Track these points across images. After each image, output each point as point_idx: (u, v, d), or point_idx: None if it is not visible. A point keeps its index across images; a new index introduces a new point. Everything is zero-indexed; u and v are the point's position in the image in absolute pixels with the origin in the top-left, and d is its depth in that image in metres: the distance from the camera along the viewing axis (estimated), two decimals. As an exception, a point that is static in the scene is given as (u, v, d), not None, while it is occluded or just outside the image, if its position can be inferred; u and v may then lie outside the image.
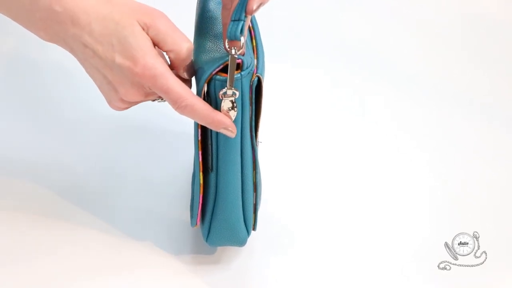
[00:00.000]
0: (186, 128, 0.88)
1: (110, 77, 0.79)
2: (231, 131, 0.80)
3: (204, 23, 0.87)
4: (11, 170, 0.99)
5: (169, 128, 1.07)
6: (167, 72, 0.78)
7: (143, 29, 0.78)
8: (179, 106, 0.78)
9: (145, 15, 0.79)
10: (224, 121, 0.79)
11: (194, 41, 0.86)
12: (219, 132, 0.81)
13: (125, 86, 0.79)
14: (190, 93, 0.79)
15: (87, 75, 0.82)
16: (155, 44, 0.79)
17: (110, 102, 0.83)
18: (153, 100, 0.83)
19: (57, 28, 0.78)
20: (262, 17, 0.95)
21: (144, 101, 0.83)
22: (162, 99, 0.82)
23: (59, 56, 0.81)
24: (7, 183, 0.98)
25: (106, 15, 0.77)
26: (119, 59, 0.77)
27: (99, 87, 0.82)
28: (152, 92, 0.80)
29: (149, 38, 0.78)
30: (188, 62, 0.81)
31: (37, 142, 1.04)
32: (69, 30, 0.78)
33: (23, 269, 0.89)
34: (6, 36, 1.15)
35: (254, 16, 0.92)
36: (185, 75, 0.82)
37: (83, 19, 0.77)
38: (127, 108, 0.83)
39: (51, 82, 1.12)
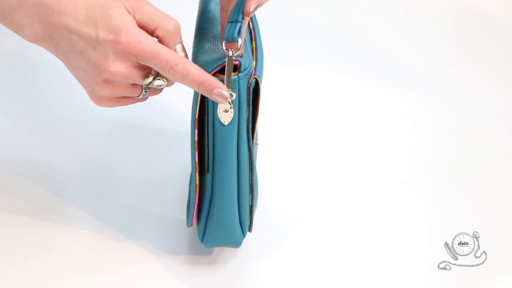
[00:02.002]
0: (185, 128, 0.88)
1: (93, 58, 0.78)
2: (224, 96, 0.78)
3: (204, 24, 0.87)
4: (11, 170, 1.00)
5: (169, 128, 1.07)
6: (154, 41, 0.78)
7: (129, 12, 0.78)
8: (171, 66, 0.77)
9: (131, 0, 0.79)
10: (217, 83, 0.78)
11: (194, 42, 0.87)
12: (216, 132, 0.81)
13: (109, 61, 0.77)
14: (180, 55, 0.78)
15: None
16: (142, 27, 0.79)
17: (93, 94, 0.81)
18: (138, 96, 0.81)
19: (44, 21, 0.78)
20: (262, 17, 0.95)
21: (129, 92, 0.80)
22: (152, 83, 0.80)
23: (60, 57, 0.82)
24: (7, 182, 0.98)
25: (93, 2, 0.78)
26: (103, 34, 0.77)
27: (82, 79, 0.80)
28: (139, 66, 0.79)
29: (134, 20, 0.78)
30: (177, 40, 0.80)
31: (36, 142, 1.04)
32: (56, 20, 0.78)
33: (22, 268, 0.89)
34: (6, 36, 1.15)
35: (255, 17, 0.92)
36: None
37: (70, 8, 0.78)
38: (111, 99, 0.81)
39: (51, 82, 1.13)
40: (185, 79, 0.78)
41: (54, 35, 0.79)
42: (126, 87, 0.80)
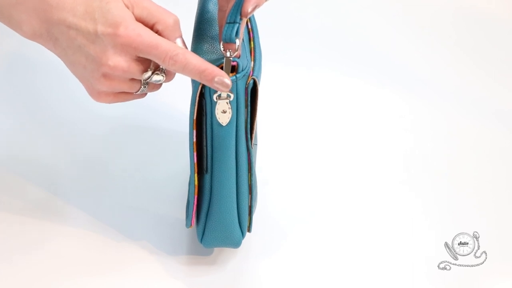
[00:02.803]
0: (185, 128, 0.88)
1: (92, 52, 0.78)
2: (226, 84, 0.77)
3: (202, 25, 0.87)
4: (11, 169, 1.00)
5: (169, 128, 1.07)
6: (153, 33, 0.78)
7: (128, 7, 0.78)
8: (171, 56, 0.77)
9: None
10: (218, 71, 0.77)
11: (192, 43, 0.87)
12: (214, 133, 0.81)
13: (108, 54, 0.77)
14: (179, 46, 0.78)
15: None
16: (141, 22, 0.78)
17: (92, 89, 0.81)
18: (137, 92, 0.81)
19: (42, 17, 0.78)
20: (261, 17, 0.95)
21: (128, 87, 0.80)
22: (150, 77, 0.79)
23: (60, 57, 0.82)
24: (7, 182, 0.98)
25: None
26: (101, 28, 0.77)
27: (81, 75, 0.80)
28: (138, 60, 0.78)
29: (131, 14, 0.78)
30: (177, 34, 0.79)
31: (36, 142, 1.04)
32: (54, 16, 0.78)
33: (22, 268, 0.89)
34: (6, 36, 1.15)
35: (253, 17, 0.92)
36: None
37: (68, 3, 0.78)
38: (109, 94, 0.81)
39: (51, 82, 1.13)
40: (185, 68, 0.78)
41: (52, 31, 0.79)
42: (125, 82, 0.80)
